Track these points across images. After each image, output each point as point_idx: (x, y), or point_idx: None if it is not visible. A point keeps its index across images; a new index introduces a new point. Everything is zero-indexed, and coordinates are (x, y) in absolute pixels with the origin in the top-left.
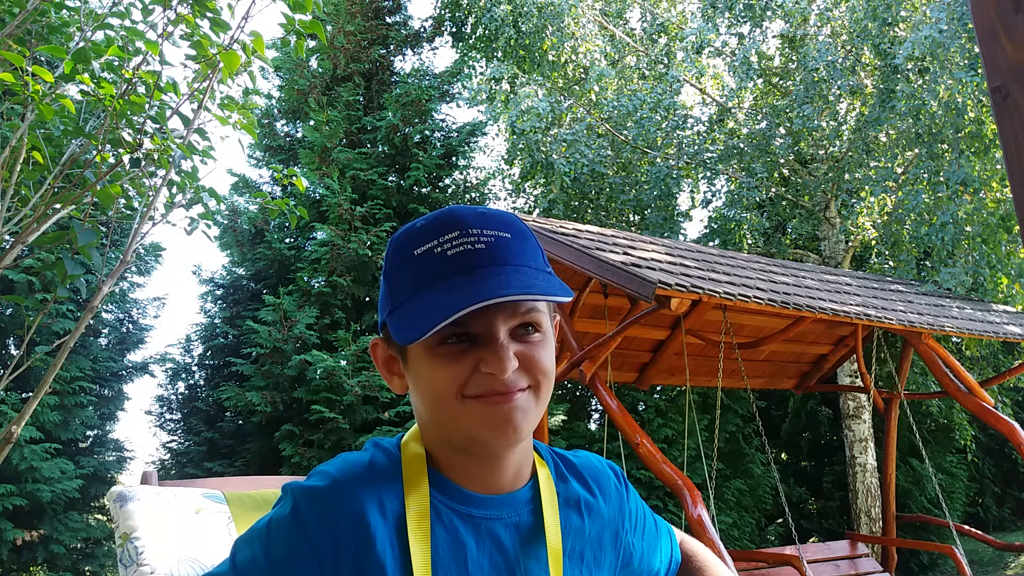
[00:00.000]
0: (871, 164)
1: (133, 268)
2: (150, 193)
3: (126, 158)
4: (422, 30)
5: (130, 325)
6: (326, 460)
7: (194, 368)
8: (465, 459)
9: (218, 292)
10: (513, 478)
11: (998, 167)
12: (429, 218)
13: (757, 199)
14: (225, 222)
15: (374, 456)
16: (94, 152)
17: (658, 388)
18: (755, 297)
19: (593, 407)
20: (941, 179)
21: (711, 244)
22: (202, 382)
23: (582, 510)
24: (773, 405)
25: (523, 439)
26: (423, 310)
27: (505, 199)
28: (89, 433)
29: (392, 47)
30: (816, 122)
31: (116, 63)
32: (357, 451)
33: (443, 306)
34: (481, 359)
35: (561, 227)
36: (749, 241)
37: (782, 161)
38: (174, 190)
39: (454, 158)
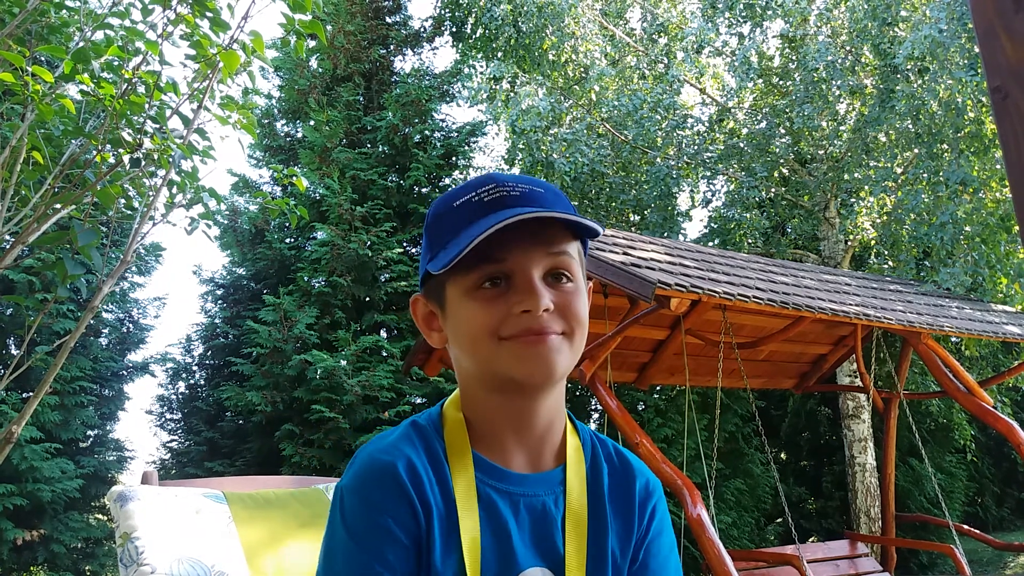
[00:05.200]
0: (871, 164)
1: (133, 268)
2: (150, 193)
3: (126, 158)
4: (422, 30)
5: (130, 325)
6: (326, 460)
7: (194, 368)
8: (500, 403)
9: (218, 292)
10: (544, 430)
11: (998, 167)
12: (468, 180)
13: (757, 199)
14: (225, 222)
15: (409, 432)
16: (94, 152)
17: (658, 388)
18: (755, 297)
19: (593, 407)
20: (941, 179)
21: (711, 244)
22: (202, 382)
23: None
24: (773, 405)
25: (558, 379)
26: (459, 242)
27: None
28: (89, 433)
29: (392, 47)
30: (816, 122)
31: (116, 63)
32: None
33: (477, 233)
34: (516, 300)
35: None
36: (749, 241)
37: (782, 161)
38: (174, 190)
39: (454, 158)
